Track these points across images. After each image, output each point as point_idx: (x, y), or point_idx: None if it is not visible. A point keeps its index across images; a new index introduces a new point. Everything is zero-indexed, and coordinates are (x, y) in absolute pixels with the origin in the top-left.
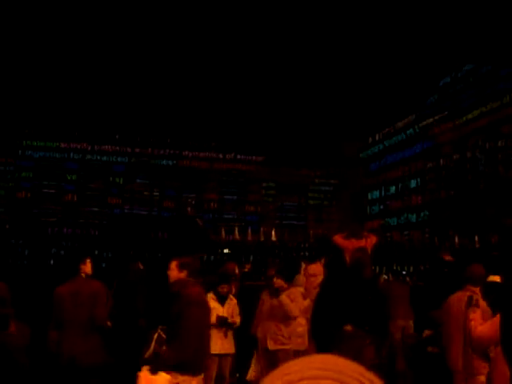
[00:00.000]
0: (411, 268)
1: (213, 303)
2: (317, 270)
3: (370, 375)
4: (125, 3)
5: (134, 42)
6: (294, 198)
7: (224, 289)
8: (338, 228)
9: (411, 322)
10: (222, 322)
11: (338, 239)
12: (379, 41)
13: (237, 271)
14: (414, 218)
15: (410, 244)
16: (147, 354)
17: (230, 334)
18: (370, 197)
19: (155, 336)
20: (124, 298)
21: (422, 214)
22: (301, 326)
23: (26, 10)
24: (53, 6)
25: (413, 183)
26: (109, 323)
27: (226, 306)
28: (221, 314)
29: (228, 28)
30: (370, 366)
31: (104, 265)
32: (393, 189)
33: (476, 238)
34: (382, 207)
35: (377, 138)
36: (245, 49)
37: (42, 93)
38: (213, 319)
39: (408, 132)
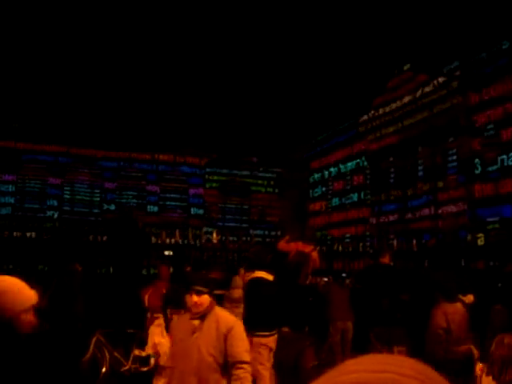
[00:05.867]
0: (351, 271)
1: None
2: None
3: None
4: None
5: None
6: (237, 200)
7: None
8: (280, 231)
9: (350, 324)
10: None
11: (282, 244)
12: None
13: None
14: (355, 196)
15: (350, 247)
16: (86, 358)
17: None
18: (311, 180)
19: (94, 340)
20: (61, 300)
21: (362, 194)
22: None
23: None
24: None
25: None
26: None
27: None
28: None
29: (171, 30)
30: (310, 368)
31: (43, 266)
32: (335, 170)
33: (414, 241)
34: (324, 189)
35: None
36: (192, 50)
37: None
38: None
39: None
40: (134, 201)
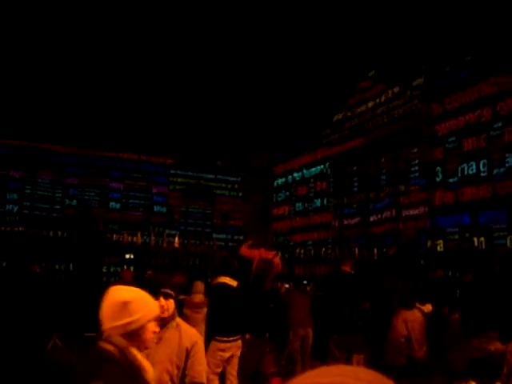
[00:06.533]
0: (313, 276)
1: None
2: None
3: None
4: None
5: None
6: (200, 204)
7: None
8: (243, 235)
9: (310, 331)
10: None
11: (245, 249)
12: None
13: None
14: (318, 202)
15: (313, 254)
16: (42, 362)
17: None
18: (275, 184)
19: (51, 344)
20: (19, 303)
21: (325, 200)
22: None
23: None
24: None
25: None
26: None
27: None
28: None
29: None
30: (270, 374)
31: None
32: (298, 175)
33: (375, 250)
34: (287, 194)
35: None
36: (162, 53)
37: None
38: None
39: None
40: (97, 198)
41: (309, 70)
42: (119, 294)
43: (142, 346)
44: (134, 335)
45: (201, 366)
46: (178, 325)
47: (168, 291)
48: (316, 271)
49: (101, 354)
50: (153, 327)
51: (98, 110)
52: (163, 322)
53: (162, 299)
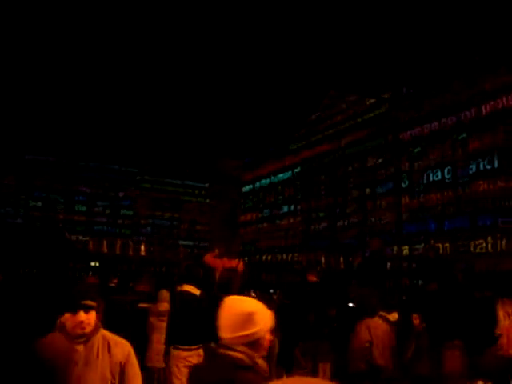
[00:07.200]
0: (279, 283)
1: None
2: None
3: None
4: None
5: None
6: (167, 213)
7: None
8: (210, 245)
9: (276, 339)
10: None
11: (209, 259)
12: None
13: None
14: (286, 208)
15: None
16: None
17: None
18: (243, 191)
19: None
20: None
21: (292, 206)
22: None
23: None
24: None
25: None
26: None
27: None
28: None
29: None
30: None
31: None
32: (266, 182)
33: (341, 258)
34: (255, 200)
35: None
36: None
37: None
38: None
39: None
40: (62, 200)
41: (280, 78)
42: (242, 305)
43: (261, 354)
44: (256, 344)
45: (138, 379)
46: (104, 338)
47: (88, 303)
48: (283, 279)
49: (234, 362)
50: (269, 336)
51: (70, 118)
52: (86, 339)
53: (81, 313)
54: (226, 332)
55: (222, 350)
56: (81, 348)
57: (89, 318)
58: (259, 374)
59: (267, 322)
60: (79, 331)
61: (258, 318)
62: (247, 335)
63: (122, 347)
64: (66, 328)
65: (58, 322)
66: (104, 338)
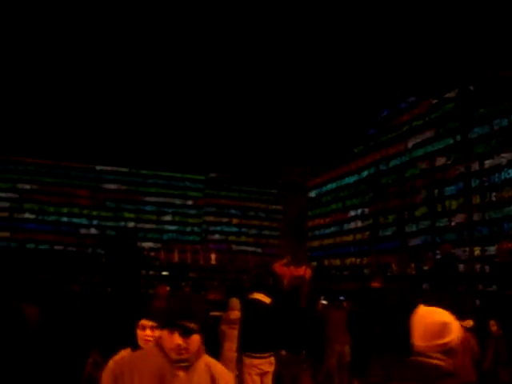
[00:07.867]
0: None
1: None
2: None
3: None
4: None
5: None
6: (235, 219)
7: None
8: (278, 254)
9: (348, 347)
10: None
11: (277, 267)
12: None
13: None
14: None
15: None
16: (82, 379)
17: None
18: (309, 195)
19: (90, 360)
20: (62, 322)
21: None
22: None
23: None
24: None
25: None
26: None
27: None
28: None
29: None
30: None
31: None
32: (332, 187)
33: (411, 263)
34: (322, 205)
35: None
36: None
37: None
38: None
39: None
40: (132, 209)
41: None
42: (437, 315)
43: (455, 361)
44: (451, 352)
45: None
46: (207, 365)
47: (188, 325)
48: (350, 286)
49: (437, 369)
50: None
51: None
52: (189, 364)
53: (177, 336)
54: (422, 340)
55: (420, 358)
56: (181, 374)
57: (188, 343)
58: (459, 379)
59: (459, 331)
60: (174, 356)
61: (453, 327)
62: (444, 344)
63: (225, 377)
64: (164, 347)
65: (155, 340)
66: (207, 365)
